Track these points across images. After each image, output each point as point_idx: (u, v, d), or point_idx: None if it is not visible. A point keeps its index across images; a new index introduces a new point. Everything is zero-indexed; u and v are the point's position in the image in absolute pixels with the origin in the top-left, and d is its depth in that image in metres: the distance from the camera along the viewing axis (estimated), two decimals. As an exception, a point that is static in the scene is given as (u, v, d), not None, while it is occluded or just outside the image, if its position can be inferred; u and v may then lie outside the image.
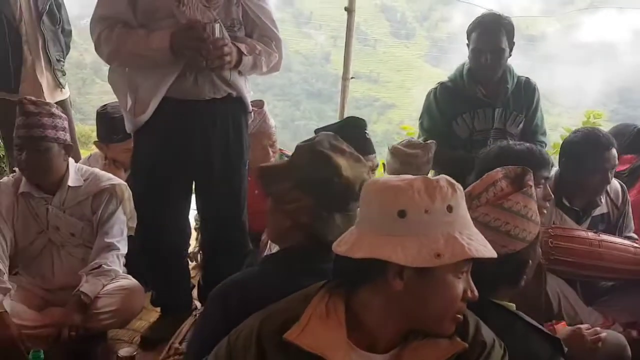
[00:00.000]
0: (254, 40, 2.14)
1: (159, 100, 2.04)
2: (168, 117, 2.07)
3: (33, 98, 2.18)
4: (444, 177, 1.02)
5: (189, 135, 2.11)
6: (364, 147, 2.02)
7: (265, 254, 2.18)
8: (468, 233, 1.00)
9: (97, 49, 2.06)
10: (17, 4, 3.03)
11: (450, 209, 0.98)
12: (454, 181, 1.02)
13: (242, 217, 2.33)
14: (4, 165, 4.68)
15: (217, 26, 1.94)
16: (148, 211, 2.24)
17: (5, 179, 2.28)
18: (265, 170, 1.43)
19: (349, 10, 3.63)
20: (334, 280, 1.09)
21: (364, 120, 2.05)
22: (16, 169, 2.28)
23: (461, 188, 1.03)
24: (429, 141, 2.65)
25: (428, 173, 2.63)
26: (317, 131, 2.04)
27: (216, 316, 1.33)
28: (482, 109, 2.69)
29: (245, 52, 2.04)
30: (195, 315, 2.01)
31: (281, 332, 1.03)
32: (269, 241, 2.11)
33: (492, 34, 2.59)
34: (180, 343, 1.85)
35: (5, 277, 2.09)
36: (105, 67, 2.21)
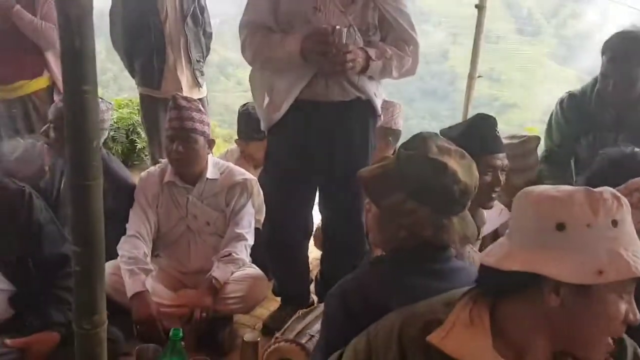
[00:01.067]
0: (387, 44, 2.15)
1: (291, 101, 2.13)
2: (299, 117, 2.16)
3: (182, 94, 2.36)
4: (608, 190, 0.96)
5: (317, 135, 2.18)
6: (494, 145, 1.91)
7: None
8: (634, 250, 0.93)
9: (242, 52, 2.20)
10: (164, 7, 3.27)
11: (615, 223, 0.92)
12: (619, 194, 0.96)
13: (361, 217, 2.36)
14: (144, 157, 5.12)
15: (344, 31, 1.98)
16: (275, 206, 2.36)
17: (152, 168, 2.50)
18: (371, 181, 1.38)
19: (480, 7, 3.52)
20: (478, 288, 1.07)
21: (493, 118, 1.95)
22: (161, 159, 2.49)
23: (627, 202, 0.96)
24: (531, 135, 2.51)
25: (531, 169, 2.51)
26: (443, 132, 1.99)
27: (338, 317, 1.35)
28: (606, 132, 2.47)
29: (374, 57, 2.07)
30: (300, 313, 2.05)
31: (423, 334, 1.02)
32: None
33: (622, 62, 2.32)
34: (282, 334, 1.93)
35: (148, 259, 2.29)
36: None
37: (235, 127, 3.05)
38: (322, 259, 2.60)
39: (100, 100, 2.42)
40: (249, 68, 2.30)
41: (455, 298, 1.07)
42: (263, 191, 2.44)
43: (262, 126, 2.30)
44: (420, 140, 1.37)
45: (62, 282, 1.93)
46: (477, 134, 1.88)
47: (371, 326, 1.15)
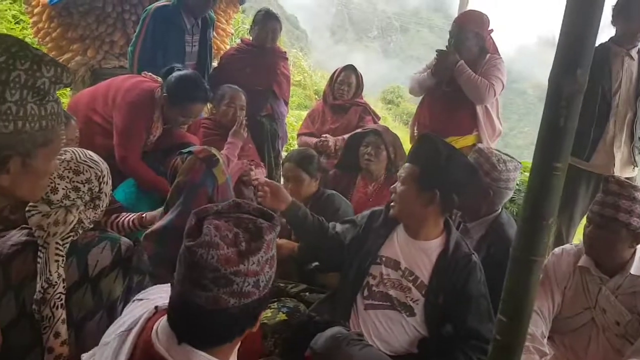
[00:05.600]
0: None
1: None
2: None
3: (620, 178, 2.14)
4: None
5: None
6: None
7: None
8: None
9: None
10: (618, 78, 3.09)
11: None
12: None
13: None
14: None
15: None
16: None
17: (567, 246, 2.33)
18: None
19: None
20: None
21: None
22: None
23: None
24: None
25: None
26: None
27: None
28: None
29: None
30: None
31: None
32: None
33: None
34: None
35: (545, 340, 2.14)
36: None
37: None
38: None
39: (509, 158, 2.40)
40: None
41: None
42: None
43: None
44: None
45: (465, 345, 2.00)
46: None
47: None
